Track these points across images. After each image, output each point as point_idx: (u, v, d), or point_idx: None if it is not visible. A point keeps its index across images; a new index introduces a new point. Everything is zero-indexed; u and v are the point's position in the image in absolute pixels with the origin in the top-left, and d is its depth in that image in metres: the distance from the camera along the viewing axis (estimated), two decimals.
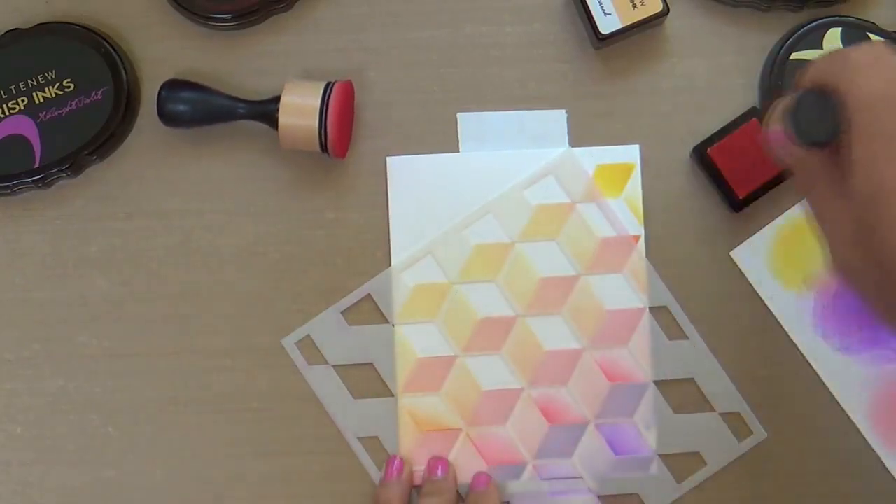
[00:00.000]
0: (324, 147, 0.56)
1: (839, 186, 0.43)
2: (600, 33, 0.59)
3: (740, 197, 0.58)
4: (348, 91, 0.58)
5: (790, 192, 0.60)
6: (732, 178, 0.58)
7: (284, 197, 0.60)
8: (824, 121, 0.43)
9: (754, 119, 0.59)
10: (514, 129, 0.61)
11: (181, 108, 0.58)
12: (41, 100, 0.59)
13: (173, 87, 0.58)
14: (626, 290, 0.59)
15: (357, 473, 0.59)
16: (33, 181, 0.59)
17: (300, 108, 0.56)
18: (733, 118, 0.59)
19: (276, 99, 0.57)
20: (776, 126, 0.45)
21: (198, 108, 0.58)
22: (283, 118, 0.56)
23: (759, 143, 0.57)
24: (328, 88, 0.56)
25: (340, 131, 0.57)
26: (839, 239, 0.43)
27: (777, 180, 0.58)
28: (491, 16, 0.61)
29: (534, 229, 0.60)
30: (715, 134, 0.59)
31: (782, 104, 0.45)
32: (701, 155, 0.59)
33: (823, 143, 0.44)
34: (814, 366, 0.59)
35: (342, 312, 0.59)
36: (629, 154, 0.60)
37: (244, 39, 0.61)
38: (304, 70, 0.61)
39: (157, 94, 0.58)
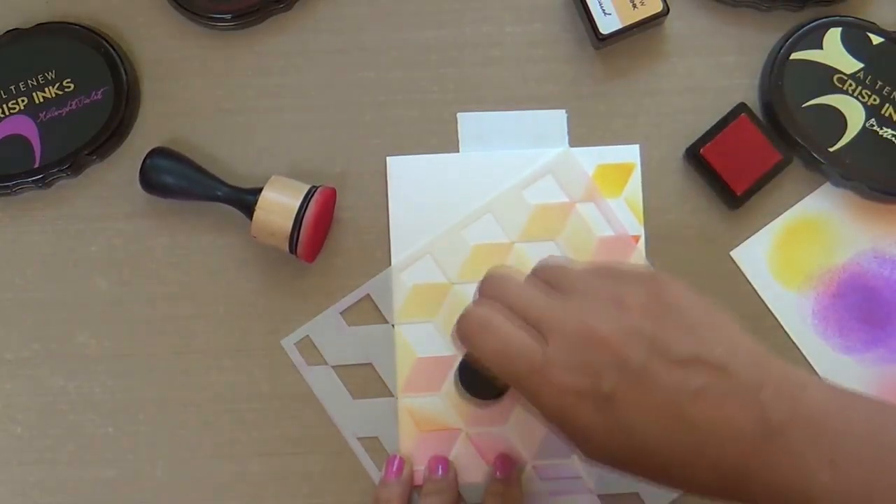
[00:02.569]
0: (293, 249, 0.56)
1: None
2: (600, 33, 0.59)
3: (738, 193, 0.58)
4: (330, 198, 0.58)
5: (790, 191, 0.60)
6: (728, 176, 0.58)
7: None
8: (485, 380, 0.49)
9: (743, 115, 0.59)
10: (513, 129, 0.61)
11: (163, 179, 0.57)
12: (41, 100, 0.59)
13: (159, 156, 0.58)
14: None
15: (357, 473, 0.59)
16: (33, 181, 0.59)
17: (278, 206, 0.55)
18: (722, 116, 0.59)
19: (258, 190, 0.56)
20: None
21: (179, 183, 0.57)
22: (259, 212, 0.55)
23: (750, 139, 0.58)
24: (310, 193, 0.56)
25: (314, 237, 0.56)
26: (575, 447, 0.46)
27: (773, 172, 0.58)
28: (491, 16, 0.61)
29: (533, 229, 0.60)
30: (706, 133, 0.59)
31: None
32: (694, 155, 0.59)
33: (497, 397, 0.49)
34: (814, 366, 0.59)
35: (342, 312, 0.59)
36: (629, 154, 0.60)
37: (244, 39, 0.61)
38: (304, 70, 0.61)
39: (142, 160, 0.58)
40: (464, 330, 0.47)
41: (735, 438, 0.41)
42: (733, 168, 0.58)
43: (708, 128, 0.59)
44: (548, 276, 0.47)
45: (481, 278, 0.49)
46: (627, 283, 0.45)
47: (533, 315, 0.45)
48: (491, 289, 0.48)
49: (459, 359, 0.50)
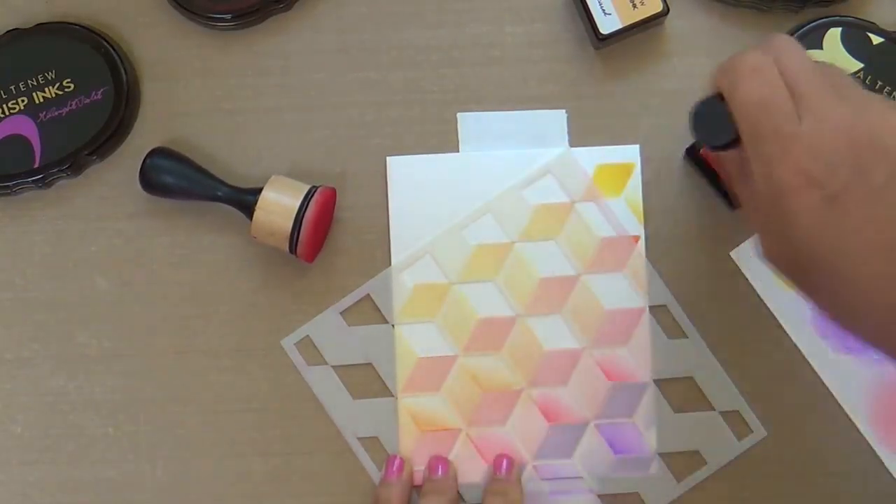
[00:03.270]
0: (293, 249, 0.56)
1: (750, 183, 0.45)
2: (600, 33, 0.59)
3: None
4: (330, 198, 0.58)
5: None
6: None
7: None
8: (721, 126, 0.46)
9: None
10: (513, 129, 0.61)
11: (163, 179, 0.57)
12: (41, 100, 0.59)
13: (159, 156, 0.58)
14: (625, 289, 0.59)
15: (357, 473, 0.59)
16: (33, 181, 0.59)
17: (278, 206, 0.56)
18: None
19: (258, 190, 0.56)
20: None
21: (179, 183, 0.57)
22: (259, 212, 0.56)
23: None
24: (310, 193, 0.56)
25: (314, 237, 0.56)
26: (760, 231, 0.45)
27: None
28: (491, 16, 0.61)
29: (533, 229, 0.60)
30: None
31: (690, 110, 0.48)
32: (694, 156, 0.59)
33: (724, 147, 0.46)
34: (814, 366, 0.59)
35: (342, 313, 0.59)
36: (629, 154, 0.60)
37: (244, 39, 0.61)
38: (304, 70, 0.61)
39: (142, 160, 0.58)
40: (735, 67, 0.45)
41: None
42: None
43: None
44: (828, 70, 0.46)
45: (772, 36, 0.47)
46: None
47: (805, 88, 0.44)
48: (778, 46, 0.46)
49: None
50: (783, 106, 0.43)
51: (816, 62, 0.46)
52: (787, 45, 0.46)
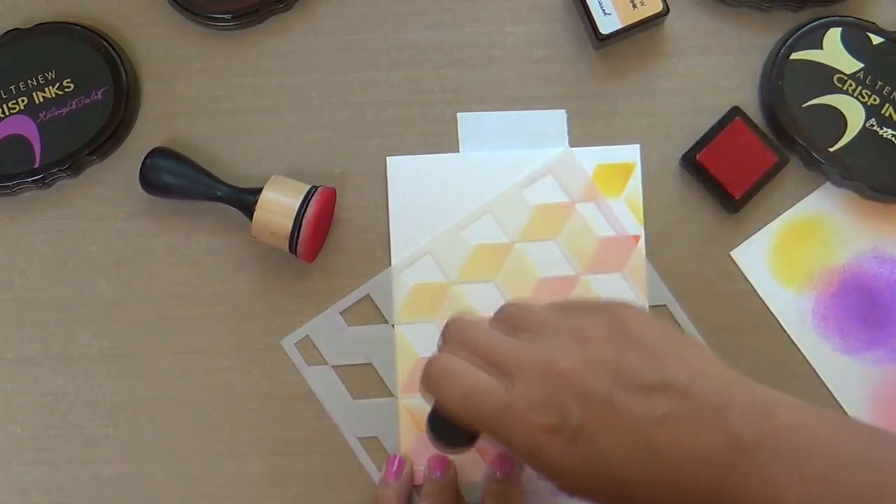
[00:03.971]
0: (293, 249, 0.56)
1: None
2: (600, 33, 0.59)
3: (736, 198, 0.58)
4: (330, 198, 0.58)
5: (789, 191, 0.60)
6: (725, 181, 0.58)
7: None
8: (456, 429, 0.47)
9: (737, 118, 0.59)
10: (513, 129, 0.61)
11: (163, 179, 0.57)
12: (41, 100, 0.59)
13: (159, 156, 0.58)
14: (625, 289, 0.59)
15: (357, 473, 0.59)
16: (33, 181, 0.59)
17: (278, 206, 0.56)
18: (717, 120, 0.59)
19: (258, 190, 0.56)
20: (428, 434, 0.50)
21: (179, 183, 0.57)
22: (260, 212, 0.56)
23: (746, 142, 0.58)
24: (310, 193, 0.56)
25: (314, 237, 0.56)
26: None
27: (770, 174, 0.58)
28: (491, 16, 0.61)
29: (533, 229, 0.60)
30: (701, 139, 0.59)
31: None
32: (690, 161, 0.59)
33: (471, 441, 0.48)
34: (814, 366, 0.59)
35: (342, 313, 0.59)
36: (629, 154, 0.60)
37: (244, 39, 0.61)
38: (304, 70, 0.61)
39: (142, 160, 0.58)
40: (428, 379, 0.47)
41: (704, 461, 0.41)
42: (730, 172, 0.58)
43: (708, 128, 0.59)
44: (509, 318, 0.48)
45: (444, 324, 0.49)
46: (587, 315, 0.46)
47: (496, 357, 0.45)
48: (454, 333, 0.48)
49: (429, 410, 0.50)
50: (485, 388, 0.45)
51: (492, 320, 0.48)
52: (462, 327, 0.48)
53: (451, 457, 0.58)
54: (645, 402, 0.42)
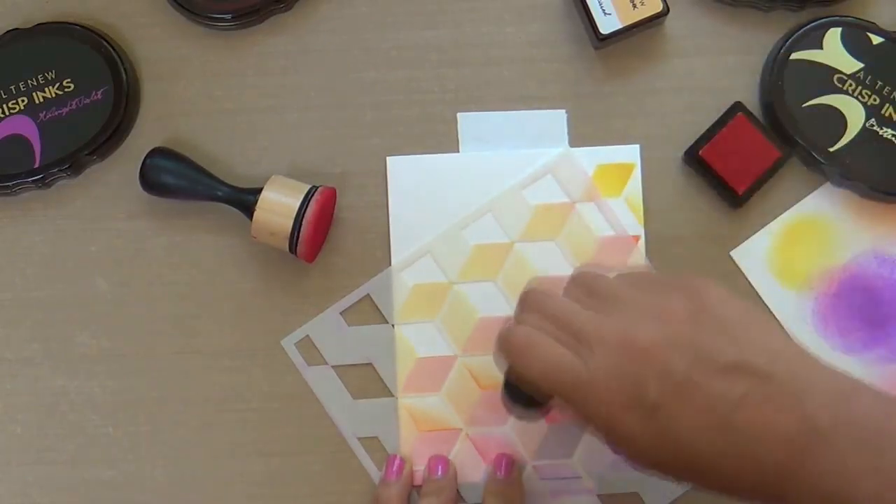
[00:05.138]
0: (293, 249, 0.56)
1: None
2: (600, 33, 0.59)
3: (739, 193, 0.58)
4: (330, 198, 0.58)
5: (790, 191, 0.60)
6: (728, 176, 0.58)
7: None
8: (529, 397, 0.49)
9: (740, 114, 0.59)
10: (513, 129, 0.61)
11: (163, 179, 0.57)
12: (41, 100, 0.59)
13: (159, 156, 0.58)
14: None
15: (357, 473, 0.59)
16: (33, 181, 0.59)
17: (279, 206, 0.56)
18: (719, 116, 0.59)
19: (258, 190, 0.56)
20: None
21: (179, 183, 0.57)
22: (260, 212, 0.56)
23: (748, 137, 0.58)
24: (310, 193, 0.56)
25: (314, 237, 0.56)
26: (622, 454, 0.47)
27: (773, 170, 0.58)
28: (491, 16, 0.61)
29: (533, 229, 0.60)
30: (703, 135, 0.59)
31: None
32: (693, 157, 0.59)
33: (545, 407, 0.49)
34: None
35: (342, 313, 0.59)
36: (629, 154, 0.60)
37: (244, 39, 0.61)
38: (304, 70, 0.61)
39: (142, 160, 0.58)
40: (509, 348, 0.48)
41: (779, 445, 0.41)
42: (733, 168, 0.58)
43: (707, 127, 0.59)
44: (588, 286, 0.48)
45: (522, 291, 0.49)
46: (668, 291, 0.46)
47: (575, 328, 0.46)
48: (533, 303, 0.48)
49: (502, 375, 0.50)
50: (565, 359, 0.45)
51: (568, 285, 0.49)
52: (540, 296, 0.48)
53: (451, 457, 0.58)
54: (723, 383, 0.42)
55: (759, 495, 0.42)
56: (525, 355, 0.47)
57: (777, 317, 0.59)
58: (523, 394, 0.49)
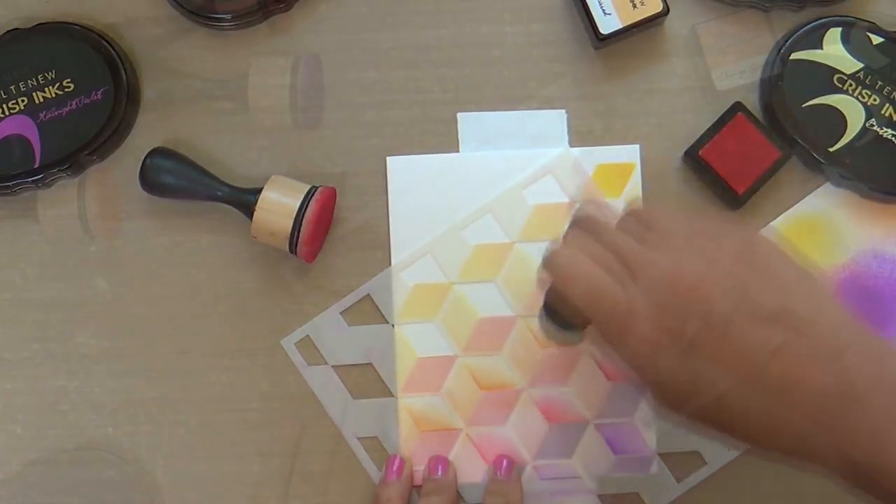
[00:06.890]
0: (293, 249, 0.56)
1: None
2: (600, 33, 0.59)
3: (739, 193, 0.58)
4: (330, 198, 0.58)
5: (790, 191, 0.60)
6: (728, 176, 0.58)
7: None
8: (569, 318, 0.49)
9: (740, 114, 0.59)
10: (514, 129, 0.61)
11: (163, 179, 0.57)
12: (41, 100, 0.59)
13: (159, 156, 0.58)
14: None
15: (357, 473, 0.59)
16: (33, 181, 0.59)
17: (279, 206, 0.56)
18: (719, 116, 0.59)
19: (258, 190, 0.56)
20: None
21: (179, 183, 0.57)
22: (260, 212, 0.56)
23: (748, 137, 0.58)
24: (310, 193, 0.56)
25: (314, 237, 0.56)
26: (646, 385, 0.47)
27: (773, 170, 0.58)
28: (491, 16, 0.61)
29: (533, 229, 0.60)
30: (703, 135, 0.59)
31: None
32: (693, 157, 0.59)
33: (575, 335, 0.49)
34: None
35: (342, 312, 0.59)
36: (629, 154, 0.60)
37: (244, 39, 0.61)
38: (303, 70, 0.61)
39: (142, 160, 0.58)
40: (554, 268, 0.47)
41: (813, 400, 0.41)
42: (733, 168, 0.58)
43: (707, 127, 0.59)
44: (645, 220, 0.47)
45: (574, 212, 0.49)
46: (721, 235, 0.46)
47: (628, 258, 0.45)
48: (585, 225, 0.48)
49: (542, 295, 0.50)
50: (609, 286, 0.45)
51: (622, 216, 0.48)
52: (594, 223, 0.48)
53: (451, 457, 0.58)
54: (763, 331, 0.42)
55: (787, 451, 0.42)
56: (570, 276, 0.46)
57: None
58: (560, 317, 0.49)
